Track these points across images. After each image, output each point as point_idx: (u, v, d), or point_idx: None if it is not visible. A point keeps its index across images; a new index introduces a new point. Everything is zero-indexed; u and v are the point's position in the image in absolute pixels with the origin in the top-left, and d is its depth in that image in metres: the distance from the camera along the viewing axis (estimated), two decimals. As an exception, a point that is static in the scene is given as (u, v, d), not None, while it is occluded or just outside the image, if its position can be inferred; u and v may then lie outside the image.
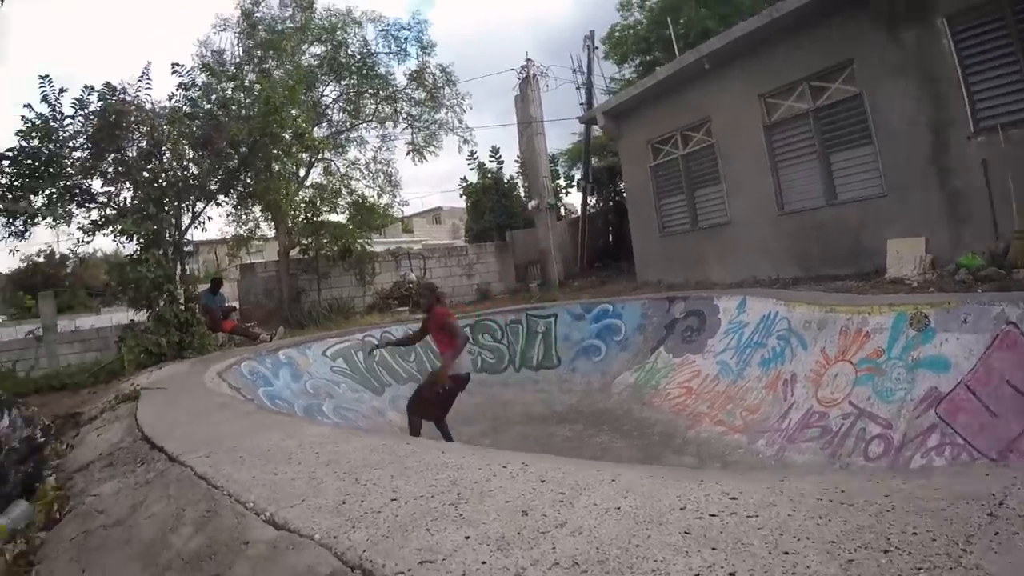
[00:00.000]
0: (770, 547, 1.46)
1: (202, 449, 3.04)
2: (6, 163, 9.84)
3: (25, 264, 30.64)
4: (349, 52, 17.81)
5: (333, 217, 16.50)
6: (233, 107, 12.66)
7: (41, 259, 33.74)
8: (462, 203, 24.38)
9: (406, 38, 18.49)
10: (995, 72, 7.80)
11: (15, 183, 9.96)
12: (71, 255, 12.29)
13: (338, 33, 17.68)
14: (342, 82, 18.02)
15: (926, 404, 4.67)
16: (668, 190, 13.64)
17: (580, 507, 1.81)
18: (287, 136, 12.75)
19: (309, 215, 15.79)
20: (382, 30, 18.38)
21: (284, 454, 2.78)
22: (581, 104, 19.53)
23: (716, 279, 11.78)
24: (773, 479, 1.93)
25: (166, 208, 10.76)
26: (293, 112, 13.19)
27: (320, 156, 16.51)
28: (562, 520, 1.73)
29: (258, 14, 16.97)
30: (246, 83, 13.96)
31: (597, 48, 20.36)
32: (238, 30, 16.80)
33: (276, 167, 13.57)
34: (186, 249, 11.81)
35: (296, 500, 2.13)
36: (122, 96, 10.62)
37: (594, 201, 21.12)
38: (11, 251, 11.21)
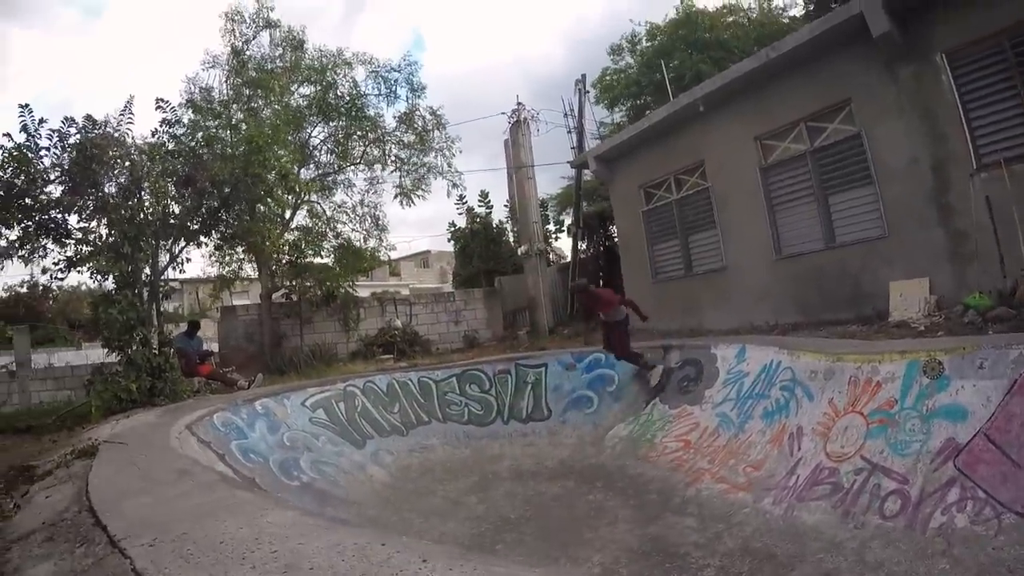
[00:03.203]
0: None
1: (147, 534, 2.68)
2: None
3: (7, 294, 31.00)
4: (338, 93, 17.64)
5: (318, 260, 16.17)
6: (217, 145, 12.37)
7: (24, 289, 33.25)
8: (450, 247, 24.14)
9: (396, 80, 18.47)
10: (996, 106, 7.67)
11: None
12: (53, 289, 11.87)
13: (328, 74, 17.56)
14: (330, 123, 17.85)
15: (944, 456, 4.29)
16: (661, 235, 13.40)
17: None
18: (270, 177, 12.48)
19: (293, 257, 15.42)
20: (372, 72, 18.32)
21: (237, 551, 2.41)
22: (572, 148, 19.41)
23: (711, 326, 11.44)
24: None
25: (142, 247, 10.37)
26: (279, 152, 12.94)
27: (305, 198, 16.23)
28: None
29: (248, 52, 16.82)
30: (232, 121, 13.71)
31: (588, 92, 20.35)
32: (227, 68, 16.56)
33: (261, 208, 13.27)
34: (163, 289, 11.37)
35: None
36: (102, 130, 10.28)
37: (584, 246, 20.85)
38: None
